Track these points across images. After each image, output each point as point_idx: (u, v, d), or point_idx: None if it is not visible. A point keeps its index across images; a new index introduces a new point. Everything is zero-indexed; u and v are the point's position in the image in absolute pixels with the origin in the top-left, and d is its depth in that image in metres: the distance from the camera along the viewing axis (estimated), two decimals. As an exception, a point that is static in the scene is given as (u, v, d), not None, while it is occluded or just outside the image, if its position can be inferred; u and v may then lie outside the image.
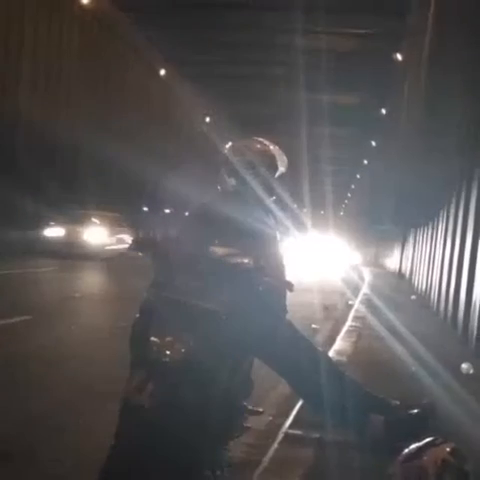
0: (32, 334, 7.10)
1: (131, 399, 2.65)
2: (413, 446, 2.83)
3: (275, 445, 3.79)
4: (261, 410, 3.46)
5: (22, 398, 4.67)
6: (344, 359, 6.33)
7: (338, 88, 30.28)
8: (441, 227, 11.45)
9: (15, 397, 4.68)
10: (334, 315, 11.06)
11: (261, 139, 3.43)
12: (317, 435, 3.84)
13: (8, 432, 3.93)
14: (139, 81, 31.52)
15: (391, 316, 9.73)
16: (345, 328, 8.77)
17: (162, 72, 33.30)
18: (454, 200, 9.85)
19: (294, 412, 4.34)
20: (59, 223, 20.14)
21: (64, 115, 24.30)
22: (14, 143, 20.91)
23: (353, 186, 58.50)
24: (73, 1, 24.55)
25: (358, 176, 52.36)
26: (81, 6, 24.86)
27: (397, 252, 23.08)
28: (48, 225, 20.20)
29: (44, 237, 19.94)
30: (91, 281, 14.99)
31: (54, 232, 19.97)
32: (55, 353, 6.22)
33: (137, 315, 2.87)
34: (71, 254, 18.49)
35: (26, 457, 3.56)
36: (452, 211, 10.03)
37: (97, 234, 20.42)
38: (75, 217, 20.64)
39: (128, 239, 17.56)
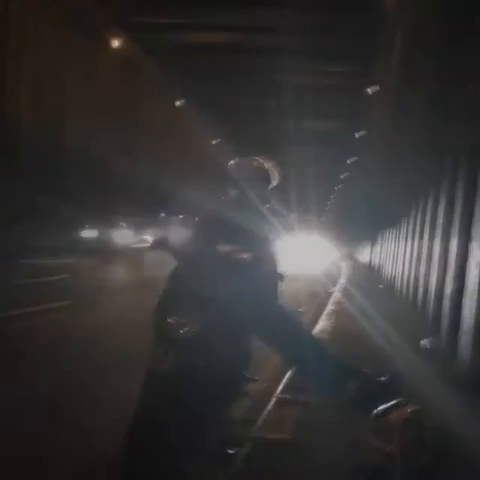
0: (73, 315, 7.10)
1: (153, 369, 2.65)
2: (381, 407, 2.82)
3: (269, 407, 3.78)
4: (257, 378, 3.45)
5: (64, 365, 4.68)
6: (325, 336, 6.32)
7: (320, 116, 30.28)
8: (403, 230, 11.44)
9: (58, 364, 4.68)
10: (317, 301, 11.05)
11: (258, 158, 3.42)
12: (303, 398, 3.83)
13: (51, 394, 3.93)
14: (159, 110, 31.49)
15: (363, 301, 9.73)
16: (326, 311, 8.75)
17: (178, 103, 33.29)
18: (414, 208, 9.84)
19: (284, 380, 4.33)
20: (93, 226, 20.25)
21: (98, 139, 24.35)
22: (59, 163, 21.04)
23: (332, 196, 58.45)
24: (106, 45, 24.58)
25: (336, 188, 52.34)
26: (112, 49, 24.91)
27: (368, 249, 23.06)
28: (84, 228, 20.27)
29: (81, 238, 20.09)
30: (119, 273, 14.99)
31: (89, 233, 20.09)
32: (93, 330, 6.22)
33: (157, 300, 2.87)
34: (103, 251, 18.55)
35: (67, 416, 3.56)
36: (412, 216, 10.02)
37: (124, 235, 20.49)
38: (106, 221, 20.68)
39: (149, 239, 17.60)
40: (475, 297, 4.96)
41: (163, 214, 29.14)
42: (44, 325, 5.79)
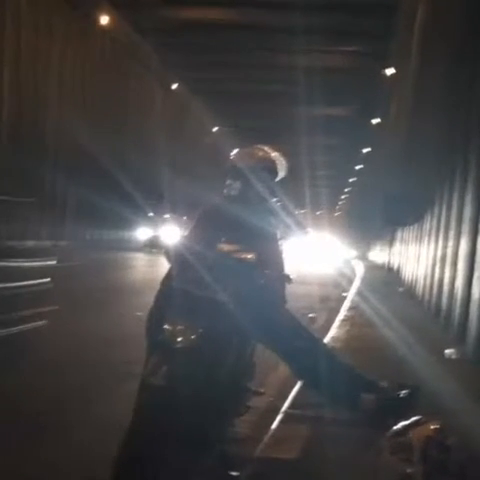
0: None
1: (148, 379, 2.66)
2: (400, 424, 2.81)
3: (275, 423, 3.77)
4: (262, 391, 3.44)
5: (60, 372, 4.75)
6: (338, 345, 6.30)
7: (333, 101, 30.22)
8: (426, 227, 11.39)
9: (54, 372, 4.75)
10: (329, 305, 11.01)
11: (263, 147, 3.40)
12: (313, 414, 3.82)
13: (44, 405, 3.98)
14: (153, 94, 31.44)
15: (380, 306, 9.68)
16: (339, 317, 8.73)
17: (176, 90, 33.21)
18: (437, 203, 9.80)
19: (293, 394, 4.32)
20: (144, 226, 25.21)
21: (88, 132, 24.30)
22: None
23: (346, 189, 58.35)
24: (95, 25, 24.57)
25: (350, 180, 52.24)
26: (104, 30, 24.93)
27: (386, 248, 22.99)
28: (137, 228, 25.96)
29: (135, 237, 26.19)
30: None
31: (141, 233, 25.35)
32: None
33: (152, 305, 2.87)
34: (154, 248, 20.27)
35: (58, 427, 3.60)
36: (436, 212, 9.98)
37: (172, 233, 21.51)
38: (154, 222, 25.27)
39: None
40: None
41: (152, 214, 29.80)
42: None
